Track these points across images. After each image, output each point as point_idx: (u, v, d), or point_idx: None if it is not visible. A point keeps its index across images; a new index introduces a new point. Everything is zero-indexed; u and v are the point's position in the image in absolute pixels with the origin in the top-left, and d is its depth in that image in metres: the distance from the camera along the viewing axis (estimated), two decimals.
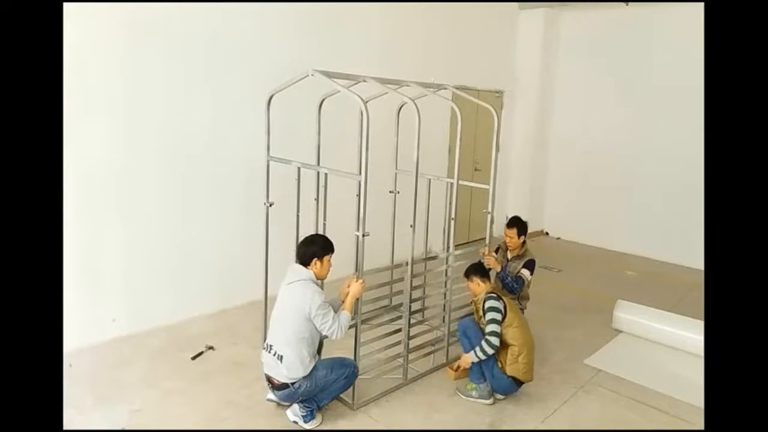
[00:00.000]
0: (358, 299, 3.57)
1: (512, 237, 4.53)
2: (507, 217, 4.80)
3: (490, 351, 3.69)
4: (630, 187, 7.97)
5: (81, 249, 4.21)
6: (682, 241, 7.30)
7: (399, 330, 4.09)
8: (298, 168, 4.09)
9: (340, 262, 3.65)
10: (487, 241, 4.45)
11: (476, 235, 7.59)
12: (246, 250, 5.07)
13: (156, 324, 4.70)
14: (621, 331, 5.10)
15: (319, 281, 3.60)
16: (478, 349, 3.72)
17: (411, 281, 3.97)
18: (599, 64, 8.15)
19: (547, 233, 8.97)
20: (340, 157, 4.65)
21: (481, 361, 3.74)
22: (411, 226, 4.03)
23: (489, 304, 3.78)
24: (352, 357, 3.60)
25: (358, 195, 3.44)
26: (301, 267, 3.47)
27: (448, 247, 4.62)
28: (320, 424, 3.47)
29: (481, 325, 3.84)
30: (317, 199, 4.41)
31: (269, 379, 3.43)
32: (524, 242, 4.60)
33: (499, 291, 4.00)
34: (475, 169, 7.69)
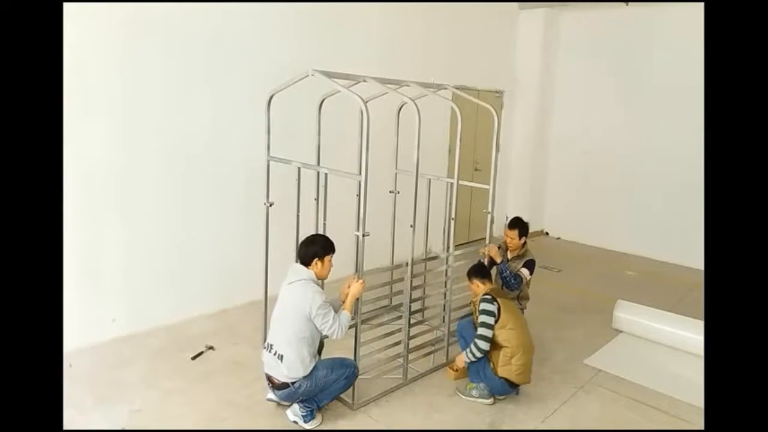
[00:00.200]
0: (358, 299, 3.57)
1: (513, 238, 4.53)
2: (507, 217, 4.80)
3: (478, 354, 3.74)
4: (630, 187, 7.97)
5: (81, 249, 4.21)
6: (682, 241, 7.30)
7: (399, 330, 4.09)
8: (298, 168, 4.09)
9: (340, 262, 3.64)
10: (487, 241, 4.45)
11: (476, 235, 7.59)
12: (246, 250, 5.07)
13: (156, 324, 4.70)
14: (621, 331, 5.10)
15: (320, 281, 3.60)
16: (468, 350, 3.77)
17: (411, 281, 3.97)
18: (599, 64, 8.14)
19: (547, 233, 8.97)
20: (340, 157, 4.65)
21: (475, 361, 3.77)
22: (411, 226, 4.03)
23: (482, 306, 3.80)
24: (352, 357, 3.60)
25: (358, 195, 3.44)
26: (302, 267, 3.47)
27: (448, 247, 4.62)
28: (320, 424, 3.47)
29: (477, 326, 3.86)
30: (317, 199, 4.41)
31: (269, 379, 3.44)
32: (525, 243, 4.60)
33: (497, 292, 3.99)
34: (475, 169, 7.68)
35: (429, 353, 4.28)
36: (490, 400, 3.79)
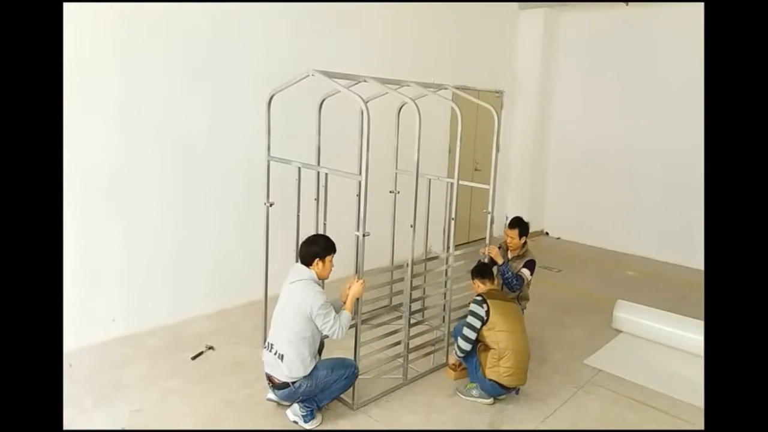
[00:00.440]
0: (358, 299, 3.57)
1: (513, 237, 4.53)
2: (507, 217, 4.81)
3: (459, 353, 3.88)
4: (630, 187, 7.98)
5: (81, 249, 4.21)
6: (682, 241, 7.30)
7: (399, 330, 4.09)
8: (299, 168, 4.09)
9: (340, 262, 3.64)
10: (487, 241, 4.45)
11: (476, 235, 7.59)
12: (246, 250, 5.07)
13: (156, 324, 4.69)
14: (621, 331, 5.10)
15: (321, 281, 3.60)
16: (454, 348, 3.98)
17: (411, 281, 3.97)
18: (599, 64, 8.15)
19: (547, 233, 8.97)
20: (340, 157, 4.65)
21: (462, 357, 3.90)
22: (411, 226, 4.03)
23: (470, 307, 3.85)
24: (352, 357, 3.60)
25: (358, 195, 3.45)
26: (303, 267, 3.47)
27: (448, 247, 4.62)
28: (320, 424, 3.47)
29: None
30: (317, 199, 4.41)
31: (270, 378, 3.44)
32: (525, 243, 4.60)
33: (496, 293, 3.98)
34: (475, 169, 7.69)
35: (429, 353, 4.28)
36: (490, 400, 3.79)
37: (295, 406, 3.44)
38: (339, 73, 3.76)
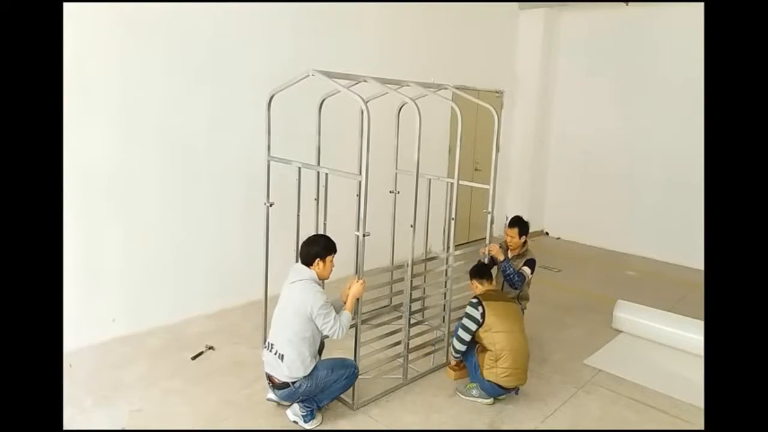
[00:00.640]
0: (358, 299, 3.57)
1: (513, 237, 4.54)
2: (507, 217, 4.81)
3: (455, 353, 3.92)
4: (630, 187, 7.97)
5: (81, 248, 4.21)
6: (682, 241, 7.30)
7: (399, 330, 4.09)
8: (299, 168, 4.09)
9: (340, 262, 3.64)
10: (487, 241, 4.45)
11: (476, 235, 7.59)
12: (246, 250, 5.07)
13: (156, 324, 4.69)
14: (621, 331, 5.10)
15: (321, 281, 3.60)
16: (450, 348, 4.00)
17: (411, 281, 3.97)
18: (599, 64, 8.15)
19: (547, 233, 8.97)
20: (340, 157, 4.65)
21: (458, 356, 3.93)
22: (411, 226, 4.03)
23: (466, 309, 3.85)
24: (352, 357, 3.60)
25: (359, 195, 3.44)
26: (303, 267, 3.47)
27: (448, 247, 4.62)
28: (320, 424, 3.47)
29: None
30: (317, 199, 4.41)
31: (270, 378, 3.44)
32: (525, 242, 4.60)
33: (494, 294, 3.98)
34: (475, 169, 7.69)
35: (429, 353, 4.28)
36: (490, 400, 3.79)
37: (295, 406, 3.44)
38: (339, 73, 3.76)
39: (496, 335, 3.70)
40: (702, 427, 3.28)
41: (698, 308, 4.04)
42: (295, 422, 3.45)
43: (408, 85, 4.27)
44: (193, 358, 4.25)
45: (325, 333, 3.38)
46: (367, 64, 5.42)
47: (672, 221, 7.53)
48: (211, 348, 4.41)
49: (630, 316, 5.07)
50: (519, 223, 4.56)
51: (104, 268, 4.42)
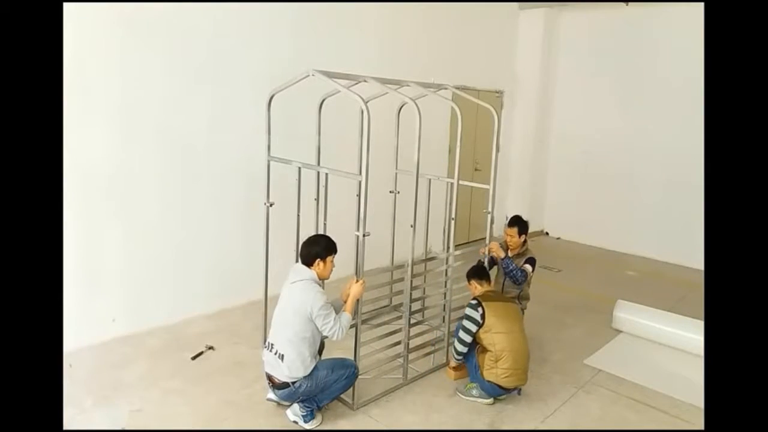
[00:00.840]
0: (358, 300, 3.57)
1: (513, 236, 4.54)
2: (507, 217, 4.81)
3: (457, 355, 3.90)
4: (630, 187, 7.97)
5: (81, 248, 4.21)
6: (682, 241, 7.29)
7: (399, 330, 4.09)
8: (299, 168, 4.09)
9: (340, 262, 3.64)
10: (487, 241, 4.45)
11: (476, 235, 7.59)
12: (246, 250, 5.07)
13: (156, 324, 4.69)
14: (621, 331, 5.10)
15: (321, 281, 3.60)
16: (452, 350, 3.98)
17: (411, 281, 3.97)
18: (599, 64, 8.15)
19: (547, 233, 8.97)
20: (340, 157, 4.65)
21: (460, 358, 3.92)
22: (411, 226, 4.03)
23: (465, 311, 3.85)
24: (352, 357, 3.60)
25: (359, 195, 3.44)
26: (303, 267, 3.47)
27: (448, 247, 4.62)
28: (320, 424, 3.47)
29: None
30: (317, 199, 4.41)
31: (270, 378, 3.44)
32: (525, 241, 4.60)
33: (494, 295, 3.98)
34: (475, 169, 7.69)
35: (429, 353, 4.28)
36: (490, 400, 3.79)
37: (295, 406, 3.44)
38: (339, 73, 3.76)
39: (496, 336, 3.70)
40: (702, 427, 3.28)
41: (698, 308, 4.04)
42: (295, 422, 3.45)
43: (408, 85, 4.27)
44: (193, 358, 4.25)
45: (324, 334, 3.38)
46: (367, 64, 5.42)
47: (672, 221, 7.53)
48: (211, 348, 4.41)
49: (630, 316, 5.07)
50: (518, 222, 4.56)
51: (104, 268, 4.42)
